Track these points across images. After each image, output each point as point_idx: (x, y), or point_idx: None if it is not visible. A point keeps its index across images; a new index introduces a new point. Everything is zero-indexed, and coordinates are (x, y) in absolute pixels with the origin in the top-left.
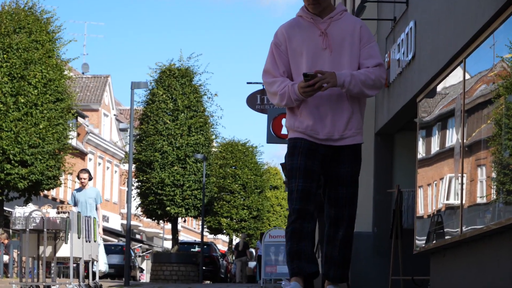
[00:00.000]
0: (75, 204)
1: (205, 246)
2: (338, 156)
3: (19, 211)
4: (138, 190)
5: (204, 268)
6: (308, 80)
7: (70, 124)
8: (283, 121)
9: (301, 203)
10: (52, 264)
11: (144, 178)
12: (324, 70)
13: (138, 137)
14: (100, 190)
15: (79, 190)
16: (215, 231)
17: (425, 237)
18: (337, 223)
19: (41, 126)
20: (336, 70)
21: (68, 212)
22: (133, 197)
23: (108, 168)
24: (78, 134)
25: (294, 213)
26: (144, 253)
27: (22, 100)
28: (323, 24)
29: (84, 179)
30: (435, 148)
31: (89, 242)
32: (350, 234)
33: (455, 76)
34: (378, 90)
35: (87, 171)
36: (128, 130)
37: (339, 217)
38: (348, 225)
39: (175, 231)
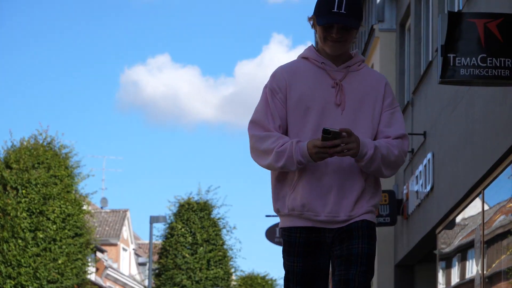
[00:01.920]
0: None
1: None
2: (349, 232)
3: None
4: None
5: None
6: (327, 139)
7: (89, 259)
8: None
9: None
10: None
11: None
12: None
13: (157, 271)
14: None
15: None
16: None
17: None
18: None
19: (60, 262)
20: None
21: None
22: None
23: None
24: (97, 269)
25: None
26: None
27: (41, 236)
28: (338, 74)
29: None
30: (455, 279)
31: None
32: None
33: (474, 207)
34: (397, 170)
35: None
36: (147, 264)
37: None
38: None
39: None
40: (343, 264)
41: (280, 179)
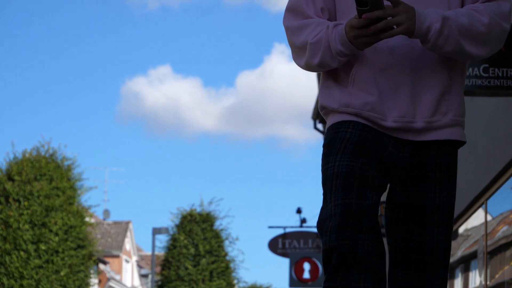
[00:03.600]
0: None
1: None
2: (423, 166)
3: None
4: None
5: None
6: (364, 12)
7: (91, 271)
8: (305, 265)
9: (342, 236)
10: None
11: None
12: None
13: (159, 283)
14: None
15: None
16: None
17: None
18: None
19: (62, 273)
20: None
21: None
22: None
23: None
24: (100, 281)
25: (332, 255)
26: None
27: (43, 248)
28: None
29: None
30: None
31: None
32: None
33: (477, 218)
34: (495, 45)
35: None
36: (150, 276)
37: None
38: None
39: None
40: (411, 221)
41: (332, 73)
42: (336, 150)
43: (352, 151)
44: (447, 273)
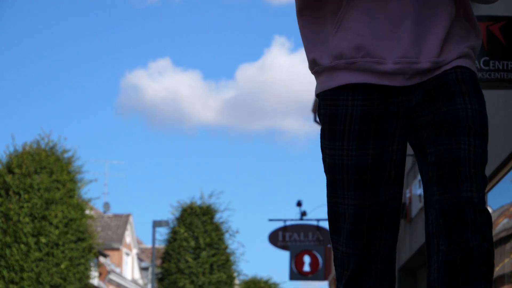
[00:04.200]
0: None
1: None
2: (443, 85)
3: None
4: None
5: None
6: None
7: (92, 264)
8: (305, 258)
9: (358, 244)
10: None
11: None
12: None
13: (160, 275)
14: None
15: None
16: None
17: None
18: (460, 219)
19: (62, 266)
20: None
21: None
22: None
23: None
24: (100, 274)
25: (350, 260)
26: None
27: (44, 240)
28: None
29: None
30: None
31: None
32: (487, 249)
33: None
34: None
35: None
36: (150, 268)
37: (463, 201)
38: (481, 227)
39: None
40: (442, 134)
41: (317, 15)
42: (340, 134)
43: (359, 134)
44: (485, 188)
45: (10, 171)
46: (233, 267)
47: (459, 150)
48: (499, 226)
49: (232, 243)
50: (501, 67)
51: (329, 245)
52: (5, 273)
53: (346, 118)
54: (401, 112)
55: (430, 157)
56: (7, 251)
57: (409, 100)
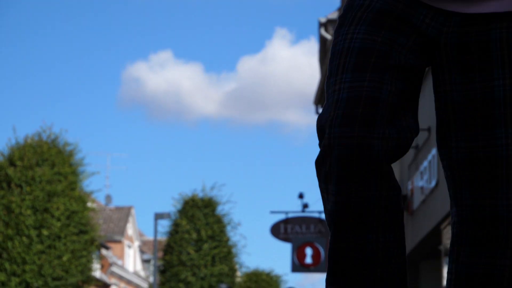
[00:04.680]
0: None
1: None
2: (483, 45)
3: None
4: None
5: None
6: None
7: (94, 256)
8: (307, 250)
9: (348, 131)
10: None
11: None
12: None
13: (162, 268)
14: None
15: None
16: None
17: None
18: (492, 231)
19: (64, 259)
20: None
21: None
22: None
23: None
24: (102, 266)
25: (331, 155)
26: None
27: (46, 233)
28: None
29: None
30: None
31: None
32: None
33: None
34: None
35: None
36: (152, 261)
37: (498, 209)
38: None
39: None
40: (472, 123)
41: None
42: (350, 20)
43: (371, 21)
44: None
45: (12, 163)
46: (235, 259)
47: (495, 146)
48: None
49: (234, 236)
50: None
51: None
52: (7, 265)
53: (363, 6)
54: (431, 25)
55: (457, 153)
56: (9, 244)
57: (441, 26)
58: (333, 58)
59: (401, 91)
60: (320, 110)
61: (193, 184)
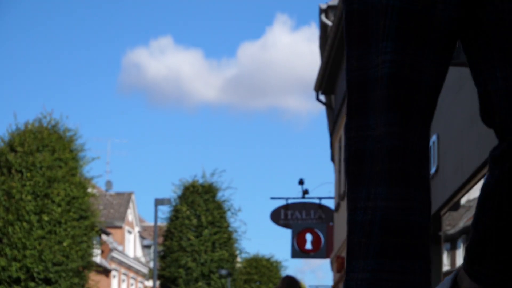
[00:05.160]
0: None
1: None
2: None
3: None
4: None
5: None
6: None
7: (94, 242)
8: (307, 236)
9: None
10: None
11: None
12: None
13: (162, 253)
14: None
15: None
16: None
17: None
18: None
19: (65, 244)
20: None
21: None
22: None
23: (132, 285)
24: (102, 251)
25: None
26: None
27: (46, 218)
28: None
29: None
30: (460, 261)
31: None
32: None
33: (479, 189)
34: None
35: None
36: (152, 246)
37: None
38: None
39: None
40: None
41: None
42: None
43: None
44: None
45: (12, 149)
46: (235, 245)
47: None
48: None
49: (234, 221)
50: None
51: (331, 223)
52: (7, 250)
53: None
54: None
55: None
56: (10, 229)
57: None
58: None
59: (444, 66)
60: (321, 97)
61: (193, 170)
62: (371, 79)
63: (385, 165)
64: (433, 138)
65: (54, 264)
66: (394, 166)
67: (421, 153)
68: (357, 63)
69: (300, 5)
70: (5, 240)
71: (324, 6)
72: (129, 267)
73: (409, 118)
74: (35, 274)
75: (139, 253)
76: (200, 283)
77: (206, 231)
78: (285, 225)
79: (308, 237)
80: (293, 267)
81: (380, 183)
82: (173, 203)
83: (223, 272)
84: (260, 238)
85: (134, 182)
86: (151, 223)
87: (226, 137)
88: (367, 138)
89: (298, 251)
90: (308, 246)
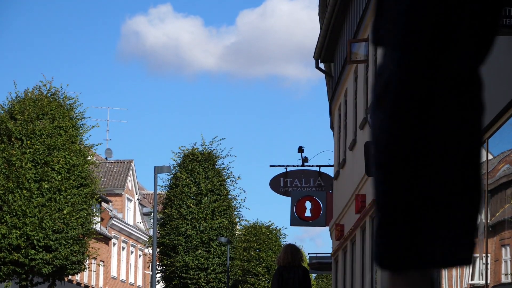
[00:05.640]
0: None
1: None
2: None
3: None
4: (163, 274)
5: None
6: None
7: (94, 209)
8: (307, 203)
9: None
10: None
11: (168, 262)
12: None
13: (161, 221)
14: (124, 274)
15: None
16: None
17: None
18: None
19: (65, 212)
20: None
21: None
22: (158, 281)
23: (132, 252)
24: (102, 219)
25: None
26: None
27: (46, 186)
28: None
29: None
30: None
31: None
32: None
33: None
34: None
35: None
36: (152, 214)
37: None
38: None
39: None
40: None
41: None
42: None
43: None
44: None
45: (12, 117)
46: (235, 212)
47: None
48: (500, 172)
49: (234, 189)
50: (503, 13)
51: (330, 191)
52: (8, 218)
53: None
54: None
55: None
56: (10, 197)
57: None
58: None
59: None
60: (320, 65)
61: (192, 138)
62: None
63: None
64: None
65: (54, 232)
66: None
67: None
68: None
69: None
70: (5, 208)
71: None
72: (129, 235)
73: None
74: (35, 242)
75: (139, 220)
76: (199, 251)
77: (205, 199)
78: (285, 193)
79: (308, 204)
80: (292, 235)
81: None
82: (173, 171)
83: (223, 239)
84: (259, 205)
85: (133, 150)
86: (151, 191)
87: (226, 105)
88: None
89: (298, 219)
90: (308, 213)
